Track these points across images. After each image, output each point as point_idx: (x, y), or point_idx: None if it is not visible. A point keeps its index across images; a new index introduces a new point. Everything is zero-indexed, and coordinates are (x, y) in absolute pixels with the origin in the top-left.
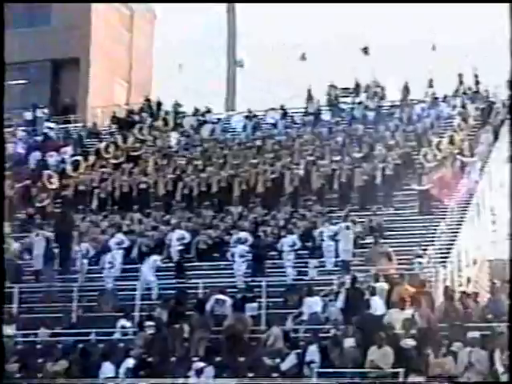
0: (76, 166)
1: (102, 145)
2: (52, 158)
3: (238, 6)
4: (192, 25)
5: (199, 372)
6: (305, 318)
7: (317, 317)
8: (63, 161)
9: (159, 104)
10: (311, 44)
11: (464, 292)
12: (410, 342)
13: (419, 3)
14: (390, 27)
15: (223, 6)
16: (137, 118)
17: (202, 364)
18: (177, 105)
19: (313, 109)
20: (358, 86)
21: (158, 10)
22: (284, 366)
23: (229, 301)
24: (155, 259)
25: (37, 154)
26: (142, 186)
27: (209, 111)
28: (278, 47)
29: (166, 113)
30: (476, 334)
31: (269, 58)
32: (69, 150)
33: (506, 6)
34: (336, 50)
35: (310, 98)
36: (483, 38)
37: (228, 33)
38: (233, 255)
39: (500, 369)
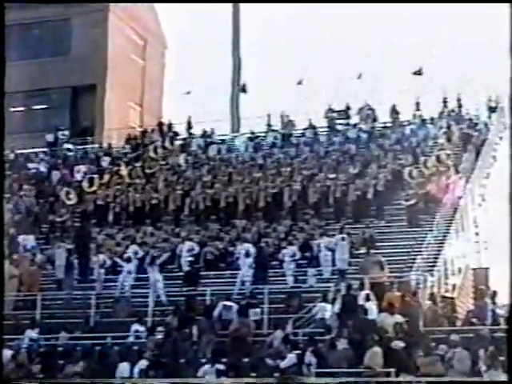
0: (93, 183)
1: (117, 163)
2: (71, 176)
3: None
4: (199, 53)
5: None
6: (315, 319)
7: (324, 323)
8: (81, 179)
9: (170, 126)
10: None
11: (450, 298)
12: (399, 344)
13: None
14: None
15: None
16: (149, 138)
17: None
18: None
19: (311, 132)
20: (348, 108)
21: (168, 40)
22: (283, 365)
23: (235, 306)
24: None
25: (57, 173)
26: (154, 201)
27: (214, 133)
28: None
29: (176, 134)
30: (457, 336)
31: (271, 83)
32: (86, 168)
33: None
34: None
35: (310, 122)
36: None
37: (233, 63)
38: (238, 265)
39: (483, 367)
